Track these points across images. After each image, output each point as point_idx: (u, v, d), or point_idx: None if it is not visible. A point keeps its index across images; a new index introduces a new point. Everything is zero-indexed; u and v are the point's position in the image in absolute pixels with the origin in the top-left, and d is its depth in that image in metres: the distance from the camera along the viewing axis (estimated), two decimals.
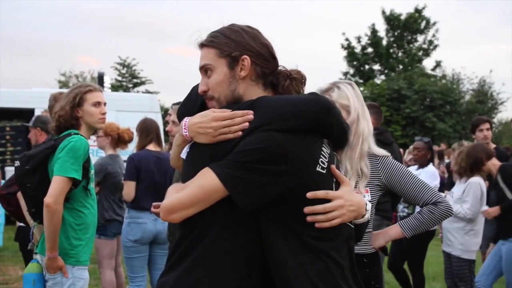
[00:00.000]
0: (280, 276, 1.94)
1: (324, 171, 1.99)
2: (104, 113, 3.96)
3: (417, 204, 3.16)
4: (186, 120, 2.07)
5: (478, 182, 5.95)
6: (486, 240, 6.95)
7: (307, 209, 1.94)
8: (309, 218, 1.94)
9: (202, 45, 2.12)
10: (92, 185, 3.87)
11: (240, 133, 1.94)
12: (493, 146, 7.07)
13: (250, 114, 1.95)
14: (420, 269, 6.80)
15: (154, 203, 3.97)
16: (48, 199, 3.55)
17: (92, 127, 3.94)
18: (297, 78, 2.12)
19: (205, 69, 2.10)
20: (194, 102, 2.16)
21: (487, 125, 7.00)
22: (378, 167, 3.09)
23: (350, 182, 2.13)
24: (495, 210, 5.82)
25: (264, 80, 2.09)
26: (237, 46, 2.05)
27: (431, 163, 7.18)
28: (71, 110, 3.83)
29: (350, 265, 2.05)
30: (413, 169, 6.83)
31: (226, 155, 1.93)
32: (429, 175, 6.78)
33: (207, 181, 1.91)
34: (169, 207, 1.97)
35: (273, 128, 1.91)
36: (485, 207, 5.95)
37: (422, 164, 7.00)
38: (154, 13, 56.84)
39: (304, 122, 1.96)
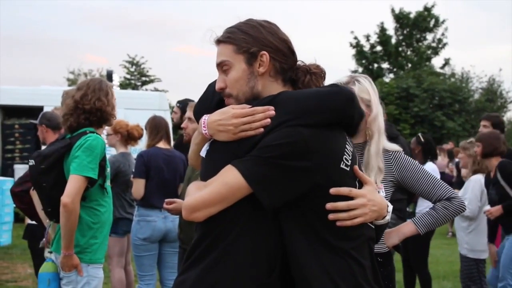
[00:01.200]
0: (301, 275, 1.91)
1: (348, 169, 1.95)
2: None
3: (430, 200, 3.12)
4: (205, 117, 2.01)
5: (479, 180, 5.86)
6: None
7: (329, 205, 1.90)
8: (331, 216, 1.90)
9: (218, 41, 2.06)
10: (108, 183, 3.85)
11: (262, 129, 1.89)
12: None
13: (271, 110, 1.90)
14: (424, 266, 6.67)
15: (167, 200, 3.93)
16: (65, 198, 3.51)
17: (109, 122, 3.92)
18: (317, 73, 2.07)
19: (222, 66, 2.04)
20: (210, 100, 2.12)
21: None
22: (391, 163, 3.06)
23: (373, 182, 2.09)
24: (497, 210, 5.47)
25: (283, 76, 2.04)
26: (255, 41, 2.00)
27: (429, 161, 6.81)
28: (107, 102, 3.80)
29: (372, 265, 2.01)
30: None
31: (249, 152, 1.88)
32: (431, 172, 6.62)
33: (230, 178, 1.86)
34: (192, 205, 1.92)
35: (299, 123, 1.87)
36: (487, 207, 5.75)
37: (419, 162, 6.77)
38: (162, 12, 56.91)
39: (329, 116, 1.91)
